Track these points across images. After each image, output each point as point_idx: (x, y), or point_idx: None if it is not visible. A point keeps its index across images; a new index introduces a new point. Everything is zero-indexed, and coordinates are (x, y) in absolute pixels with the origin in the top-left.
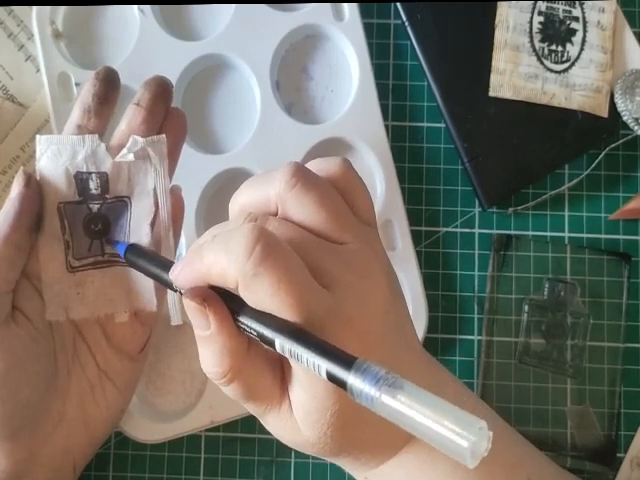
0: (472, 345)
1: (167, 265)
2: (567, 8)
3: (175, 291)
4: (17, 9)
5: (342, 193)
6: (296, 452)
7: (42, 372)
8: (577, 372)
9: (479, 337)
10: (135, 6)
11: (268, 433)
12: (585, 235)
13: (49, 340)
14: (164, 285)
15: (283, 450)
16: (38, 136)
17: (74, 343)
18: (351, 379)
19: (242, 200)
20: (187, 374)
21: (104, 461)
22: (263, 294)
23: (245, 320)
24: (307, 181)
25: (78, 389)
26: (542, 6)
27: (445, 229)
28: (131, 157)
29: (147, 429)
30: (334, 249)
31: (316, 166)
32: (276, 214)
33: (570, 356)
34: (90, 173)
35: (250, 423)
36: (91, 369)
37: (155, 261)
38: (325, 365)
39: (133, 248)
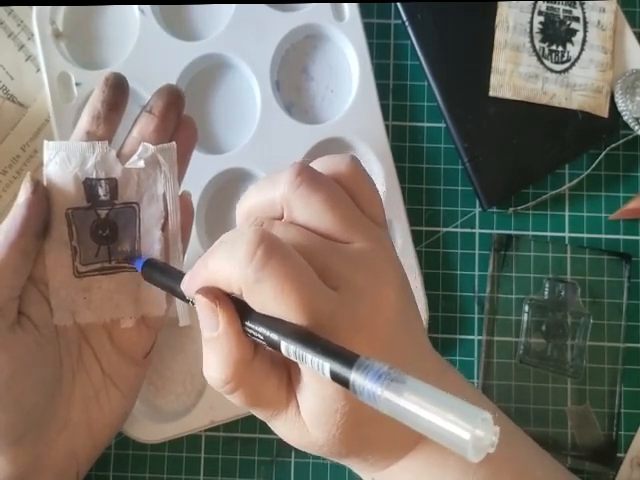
0: (472, 345)
1: (181, 277)
2: (567, 8)
3: (188, 302)
4: (17, 9)
5: (350, 192)
6: (296, 452)
7: (48, 378)
8: (577, 372)
9: (479, 337)
10: (135, 6)
11: (268, 433)
12: (585, 235)
13: (54, 345)
14: (179, 298)
15: (283, 450)
16: (46, 142)
17: (79, 348)
18: (353, 376)
19: (248, 204)
20: (187, 374)
21: (105, 461)
22: (267, 298)
23: (251, 324)
24: (312, 181)
25: (82, 394)
26: (542, 6)
27: (445, 229)
28: (141, 164)
29: (147, 429)
30: (342, 250)
31: (322, 164)
32: (282, 216)
33: (570, 356)
34: (99, 179)
35: (250, 423)
36: (96, 374)
37: (170, 274)
38: (328, 364)
39: (149, 263)
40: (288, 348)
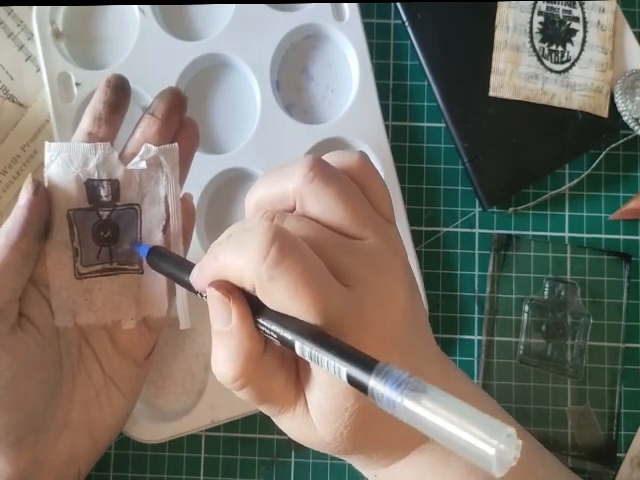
0: (472, 345)
1: (189, 267)
2: (567, 8)
3: (196, 293)
4: (17, 9)
5: (360, 187)
6: (296, 452)
7: (48, 379)
8: (577, 372)
9: (479, 337)
10: (135, 6)
11: (269, 433)
12: (585, 235)
13: (55, 347)
14: (186, 288)
15: (284, 450)
16: (47, 143)
17: (79, 349)
18: (372, 382)
19: (258, 195)
20: (188, 374)
21: (105, 461)
22: (280, 297)
23: (264, 321)
24: (325, 175)
25: (83, 395)
26: (542, 6)
27: (445, 229)
28: (143, 165)
29: (148, 429)
30: (354, 245)
31: (333, 159)
32: (294, 209)
33: (570, 356)
34: (101, 180)
35: (251, 423)
36: (96, 375)
37: (177, 263)
38: (345, 368)
39: (155, 250)
40: (303, 349)
